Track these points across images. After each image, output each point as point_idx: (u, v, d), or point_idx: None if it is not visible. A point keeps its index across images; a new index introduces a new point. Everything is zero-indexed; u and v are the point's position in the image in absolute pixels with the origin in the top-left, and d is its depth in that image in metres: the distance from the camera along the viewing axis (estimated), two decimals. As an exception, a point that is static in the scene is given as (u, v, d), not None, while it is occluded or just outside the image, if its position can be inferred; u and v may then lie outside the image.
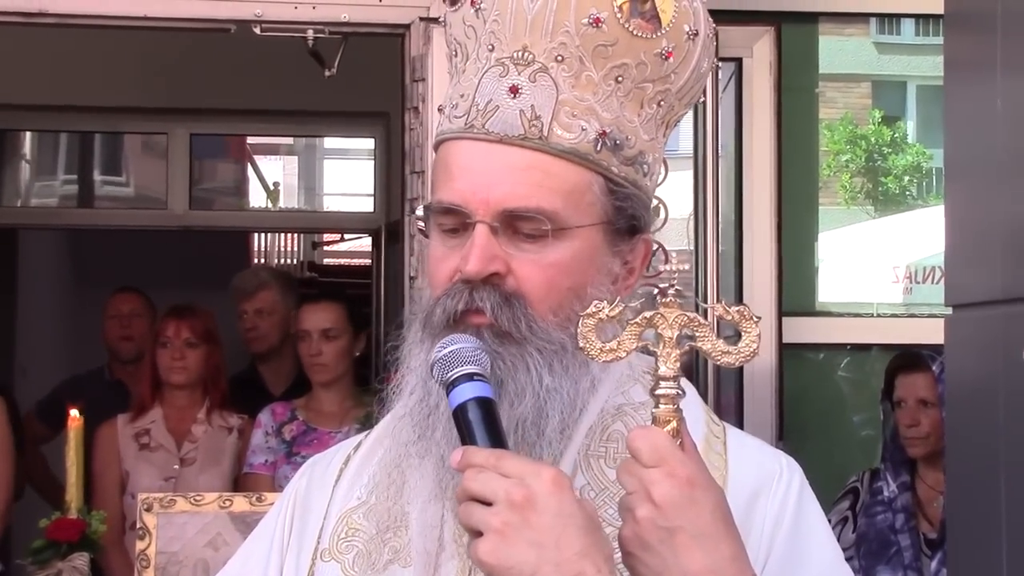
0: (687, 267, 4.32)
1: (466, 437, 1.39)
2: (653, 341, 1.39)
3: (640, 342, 1.39)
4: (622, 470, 1.35)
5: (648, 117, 1.57)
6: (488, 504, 1.32)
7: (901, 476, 4.04)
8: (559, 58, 1.52)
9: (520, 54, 1.52)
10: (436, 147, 1.60)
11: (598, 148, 1.52)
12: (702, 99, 1.84)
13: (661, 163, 1.63)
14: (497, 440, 1.38)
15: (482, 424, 1.39)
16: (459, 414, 1.41)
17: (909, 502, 4.01)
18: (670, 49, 1.55)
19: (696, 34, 1.57)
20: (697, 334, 1.39)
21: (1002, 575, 3.01)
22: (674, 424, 1.36)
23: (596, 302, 1.40)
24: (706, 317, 1.40)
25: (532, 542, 1.29)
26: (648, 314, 1.39)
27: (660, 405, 1.37)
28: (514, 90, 1.51)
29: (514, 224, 1.49)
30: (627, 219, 1.55)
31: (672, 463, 1.32)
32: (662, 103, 1.58)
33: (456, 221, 1.52)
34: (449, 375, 1.43)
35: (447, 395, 1.43)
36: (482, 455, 1.35)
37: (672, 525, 1.30)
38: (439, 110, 1.61)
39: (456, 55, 1.61)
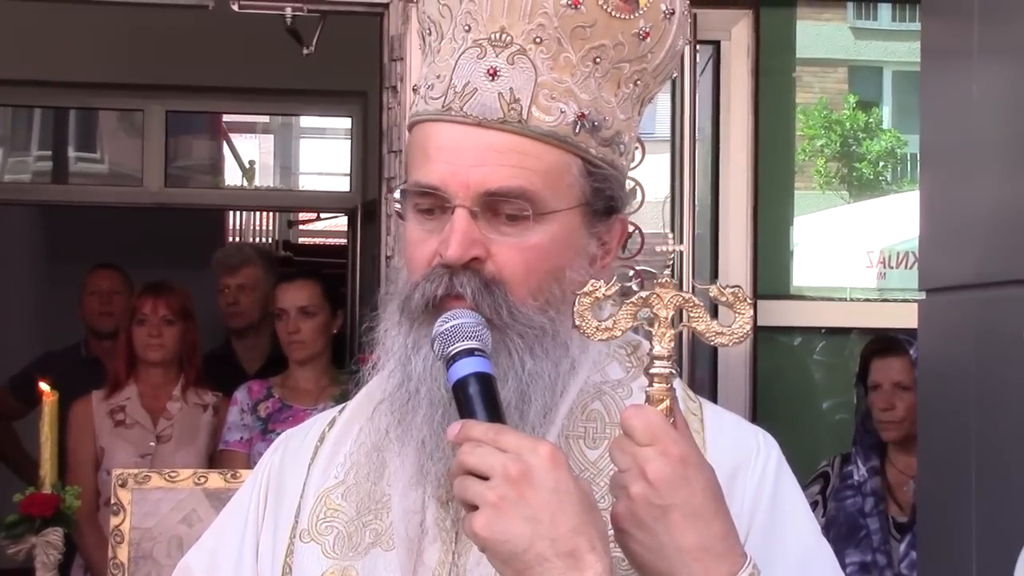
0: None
1: (465, 412, 1.38)
2: (647, 321, 1.39)
3: (635, 321, 1.40)
4: (615, 447, 1.35)
5: (624, 97, 1.56)
6: (484, 478, 1.31)
7: (871, 460, 4.03)
8: (537, 40, 1.50)
9: (498, 35, 1.50)
10: (410, 128, 1.58)
11: (576, 130, 1.50)
12: (675, 74, 1.83)
13: (636, 141, 1.62)
14: (496, 415, 1.37)
15: (481, 399, 1.38)
16: (458, 389, 1.40)
17: (879, 486, 4.00)
18: (647, 29, 1.54)
19: (672, 13, 1.56)
20: (691, 314, 1.40)
21: (971, 557, 3.04)
22: (667, 403, 1.37)
23: (593, 281, 1.40)
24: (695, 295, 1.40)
25: (527, 517, 1.28)
26: (644, 294, 1.39)
27: (654, 384, 1.37)
28: (492, 72, 1.49)
29: (494, 207, 1.48)
30: (604, 200, 1.54)
31: (666, 442, 1.32)
32: (638, 82, 1.57)
33: (433, 202, 1.50)
34: (449, 350, 1.41)
35: (447, 370, 1.42)
36: (480, 429, 1.34)
37: (666, 503, 1.31)
38: (414, 90, 1.59)
39: (430, 33, 1.59)
